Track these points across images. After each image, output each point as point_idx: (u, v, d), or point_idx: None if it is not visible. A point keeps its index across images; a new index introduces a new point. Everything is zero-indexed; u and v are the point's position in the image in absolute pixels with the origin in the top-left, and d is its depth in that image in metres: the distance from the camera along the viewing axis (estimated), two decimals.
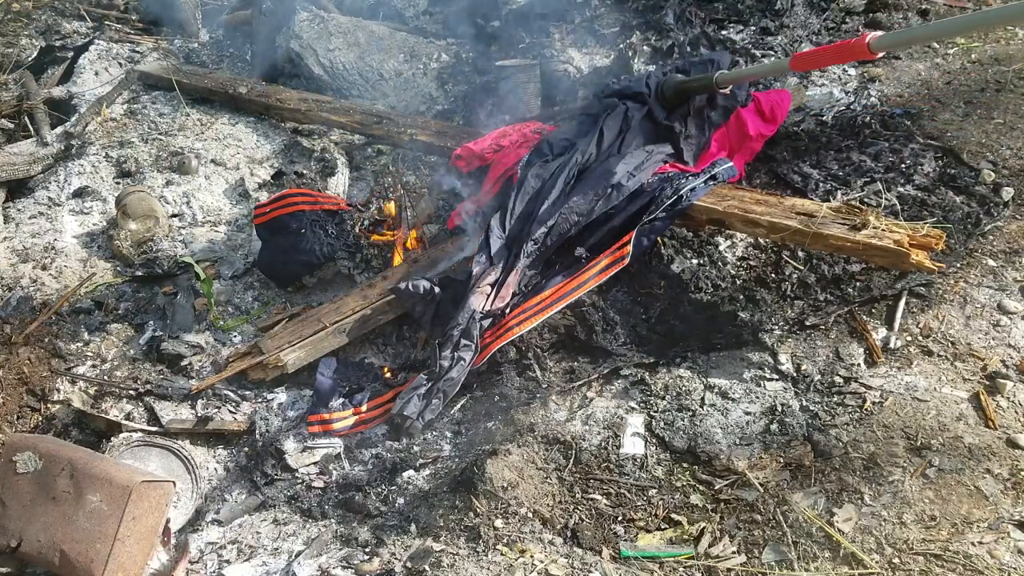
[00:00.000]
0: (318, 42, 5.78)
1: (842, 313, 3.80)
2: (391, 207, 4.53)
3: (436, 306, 3.97)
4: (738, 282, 4.03)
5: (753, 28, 5.91)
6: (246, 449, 3.67)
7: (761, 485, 3.18)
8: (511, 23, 6.14)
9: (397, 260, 4.39)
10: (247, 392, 3.91)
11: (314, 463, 3.60)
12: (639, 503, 3.21)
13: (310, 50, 5.76)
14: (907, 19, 5.78)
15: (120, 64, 6.08)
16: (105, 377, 3.99)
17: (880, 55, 3.45)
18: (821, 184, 4.43)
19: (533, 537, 3.04)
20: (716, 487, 3.22)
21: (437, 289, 3.93)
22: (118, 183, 5.07)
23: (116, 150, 5.26)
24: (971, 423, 3.26)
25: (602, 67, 5.60)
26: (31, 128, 5.55)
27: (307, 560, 3.09)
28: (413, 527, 3.18)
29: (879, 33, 3.43)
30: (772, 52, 5.67)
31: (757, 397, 3.52)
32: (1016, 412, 3.30)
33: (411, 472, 3.47)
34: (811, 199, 4.05)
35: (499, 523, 3.08)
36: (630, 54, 5.47)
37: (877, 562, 2.85)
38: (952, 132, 4.69)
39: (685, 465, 3.33)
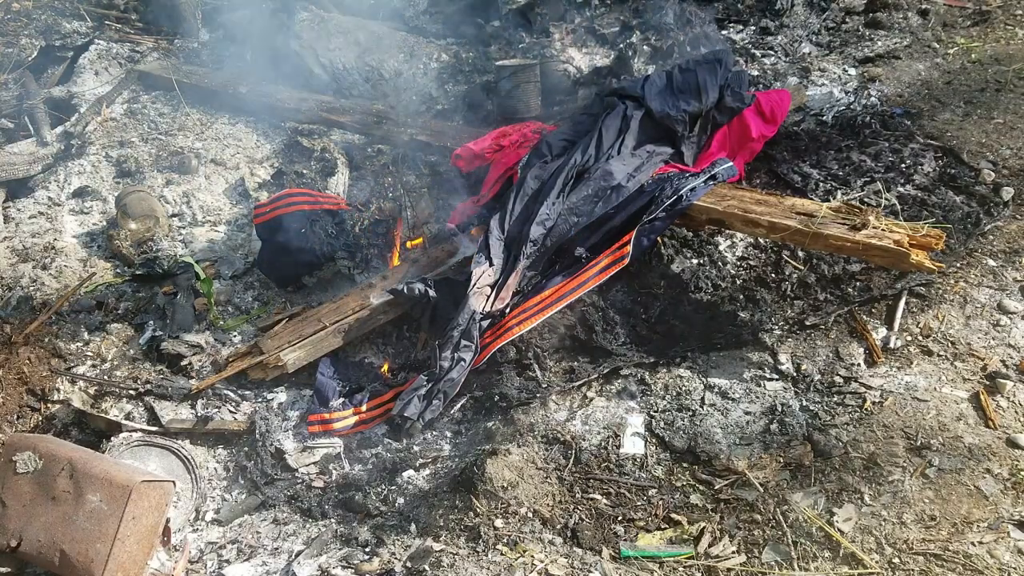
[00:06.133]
0: (318, 42, 5.78)
1: (842, 313, 3.79)
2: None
3: (432, 308, 3.97)
4: (738, 282, 4.03)
5: (753, 28, 5.92)
6: (246, 449, 3.67)
7: (761, 485, 3.18)
8: (511, 23, 6.14)
9: (395, 260, 4.39)
10: (247, 392, 3.90)
11: (314, 463, 3.60)
12: (639, 503, 3.21)
13: (310, 50, 5.76)
14: (907, 19, 5.79)
15: (120, 64, 6.08)
16: (105, 377, 3.99)
17: None
18: (821, 184, 4.43)
19: (533, 537, 3.04)
20: (716, 487, 3.22)
21: (432, 292, 3.93)
22: (118, 183, 5.07)
23: (116, 150, 5.26)
24: (971, 423, 3.26)
25: (602, 67, 5.60)
26: (31, 128, 5.55)
27: (307, 560, 3.09)
28: (413, 527, 3.18)
29: None
30: (772, 52, 5.67)
31: (757, 397, 3.52)
32: (1016, 412, 3.30)
33: (411, 472, 3.47)
34: (811, 199, 4.05)
35: (499, 523, 3.08)
36: (630, 54, 5.47)
37: (877, 562, 2.85)
38: (952, 132, 4.69)
39: (685, 465, 3.33)
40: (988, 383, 3.41)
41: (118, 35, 6.40)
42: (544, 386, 3.69)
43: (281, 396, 3.90)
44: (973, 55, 5.35)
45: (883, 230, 3.50)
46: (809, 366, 3.60)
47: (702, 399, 3.55)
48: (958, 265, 3.93)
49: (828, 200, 4.09)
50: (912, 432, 3.24)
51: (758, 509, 3.11)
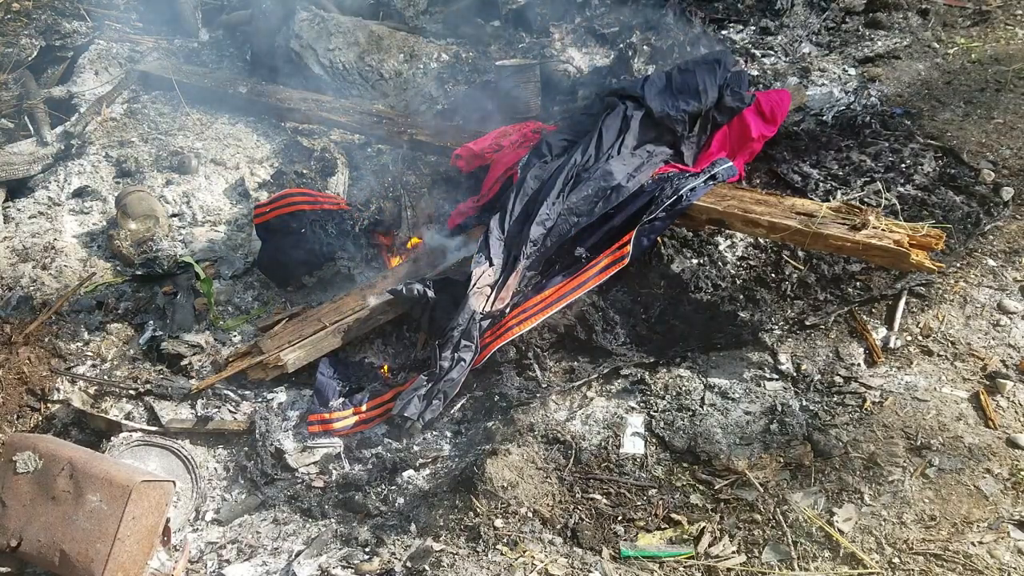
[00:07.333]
0: (318, 42, 5.78)
1: (842, 313, 3.80)
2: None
3: (432, 308, 3.97)
4: (738, 282, 4.03)
5: (753, 28, 5.92)
6: (246, 449, 3.67)
7: (761, 485, 3.18)
8: (511, 23, 6.14)
9: (396, 260, 4.39)
10: (247, 392, 3.90)
11: (314, 463, 3.60)
12: (639, 503, 3.21)
13: (310, 50, 5.76)
14: (907, 19, 5.79)
15: (120, 64, 6.07)
16: (105, 377, 3.99)
17: None
18: (821, 184, 4.43)
19: (533, 537, 3.04)
20: (716, 487, 3.22)
21: (431, 293, 3.93)
22: (118, 183, 5.06)
23: (116, 150, 5.26)
24: (971, 423, 3.26)
25: (602, 67, 5.60)
26: (31, 128, 5.55)
27: (307, 560, 3.09)
28: (413, 527, 3.18)
29: None
30: (772, 52, 5.67)
31: (757, 397, 3.53)
32: (1016, 412, 3.30)
33: (411, 472, 3.47)
34: (811, 199, 4.05)
35: (499, 523, 3.08)
36: (630, 54, 5.47)
37: (877, 562, 2.85)
38: (952, 132, 4.69)
39: (685, 465, 3.33)
40: (988, 383, 3.41)
41: (118, 35, 6.40)
42: (544, 386, 3.69)
43: (281, 396, 3.90)
44: (973, 55, 5.35)
45: (883, 230, 3.50)
46: (809, 366, 3.60)
47: (702, 399, 3.55)
48: (958, 265, 3.93)
49: (828, 200, 4.09)
50: (912, 432, 3.24)
51: (758, 509, 3.11)
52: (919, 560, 2.84)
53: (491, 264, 3.96)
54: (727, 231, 4.17)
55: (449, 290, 3.97)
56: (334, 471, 3.57)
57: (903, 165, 4.47)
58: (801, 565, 2.90)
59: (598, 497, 3.23)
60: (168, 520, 3.25)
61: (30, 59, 6.12)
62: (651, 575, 2.93)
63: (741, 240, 4.22)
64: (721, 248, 4.20)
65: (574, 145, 4.28)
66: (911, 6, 5.87)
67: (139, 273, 4.50)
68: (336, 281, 4.45)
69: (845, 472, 3.15)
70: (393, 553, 3.04)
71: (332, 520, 3.34)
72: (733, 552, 2.99)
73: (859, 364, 3.59)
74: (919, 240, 3.47)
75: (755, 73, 5.41)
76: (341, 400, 3.75)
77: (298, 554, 3.15)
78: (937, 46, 5.51)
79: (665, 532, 3.09)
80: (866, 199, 4.23)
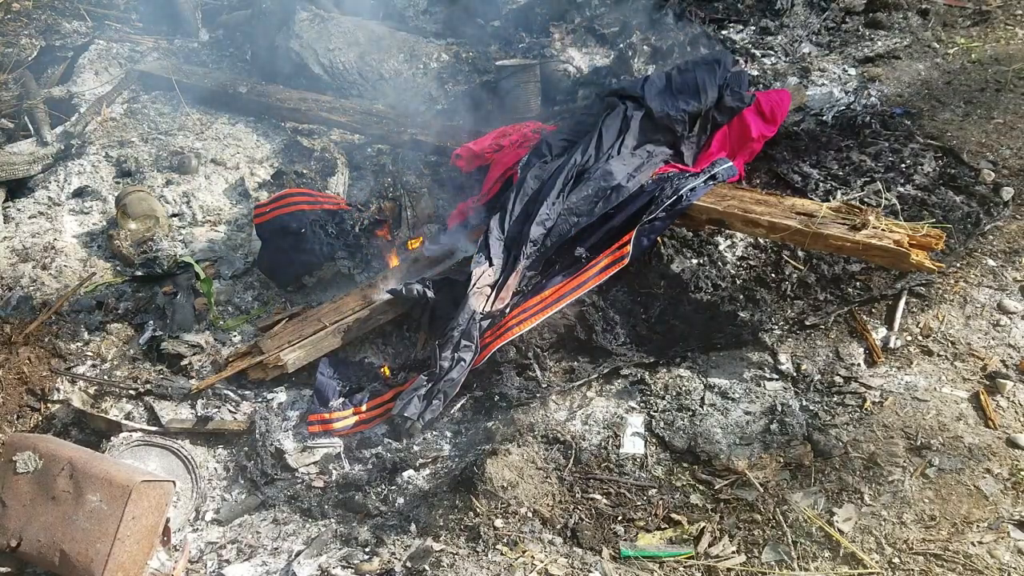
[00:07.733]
0: (318, 42, 5.78)
1: (842, 313, 3.79)
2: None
3: (432, 308, 3.97)
4: (738, 282, 4.03)
5: (753, 28, 5.92)
6: (246, 449, 3.67)
7: (761, 485, 3.18)
8: (511, 23, 6.14)
9: (395, 261, 4.39)
10: (247, 392, 3.90)
11: (314, 463, 3.60)
12: (639, 503, 3.21)
13: (310, 50, 5.76)
14: (907, 19, 5.79)
15: (120, 64, 6.07)
16: (105, 377, 3.99)
17: None
18: (821, 184, 4.43)
19: (533, 537, 3.04)
20: (716, 487, 3.22)
21: (431, 293, 3.93)
22: (118, 183, 5.06)
23: (116, 150, 5.26)
24: (971, 423, 3.26)
25: (602, 67, 5.60)
26: (31, 128, 5.55)
27: (307, 560, 3.09)
28: (413, 527, 3.18)
29: None
30: (772, 52, 5.67)
31: (757, 397, 3.53)
32: (1016, 412, 3.30)
33: (411, 472, 3.47)
34: (811, 199, 4.05)
35: (499, 523, 3.08)
36: (630, 54, 5.47)
37: (877, 562, 2.85)
38: (952, 132, 4.69)
39: (685, 465, 3.33)
40: (988, 383, 3.41)
41: (118, 35, 6.40)
42: (544, 386, 3.68)
43: (281, 396, 3.90)
44: (973, 55, 5.35)
45: (883, 230, 3.50)
46: (809, 366, 3.60)
47: (702, 399, 3.55)
48: (958, 265, 3.93)
49: (828, 200, 4.09)
50: (912, 432, 3.24)
51: (758, 509, 3.11)
52: (919, 560, 2.84)
53: (491, 264, 3.96)
54: (727, 231, 4.16)
55: (449, 290, 3.97)
56: (334, 471, 3.57)
57: (903, 165, 4.47)
58: (801, 565, 2.90)
59: (598, 497, 3.23)
60: (168, 520, 3.25)
61: (30, 59, 6.12)
62: (651, 575, 2.93)
63: (741, 240, 4.22)
64: (721, 248, 4.20)
65: (574, 145, 4.28)
66: (911, 6, 5.88)
67: (139, 273, 4.50)
68: (336, 281, 4.45)
69: (845, 472, 3.15)
70: (393, 553, 3.04)
71: (332, 520, 3.34)
72: (733, 552, 2.99)
73: (859, 364, 3.59)
74: (919, 240, 3.47)
75: (755, 73, 5.41)
76: (341, 400, 3.75)
77: (298, 554, 3.15)
78: (937, 46, 5.52)
79: (665, 532, 3.09)
80: (866, 199, 4.23)
